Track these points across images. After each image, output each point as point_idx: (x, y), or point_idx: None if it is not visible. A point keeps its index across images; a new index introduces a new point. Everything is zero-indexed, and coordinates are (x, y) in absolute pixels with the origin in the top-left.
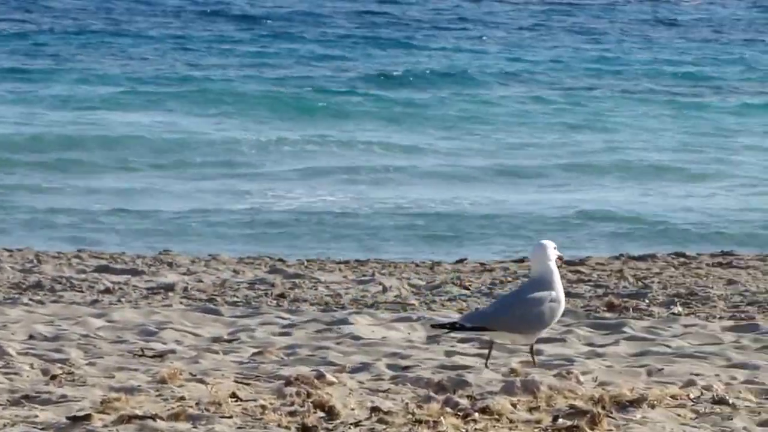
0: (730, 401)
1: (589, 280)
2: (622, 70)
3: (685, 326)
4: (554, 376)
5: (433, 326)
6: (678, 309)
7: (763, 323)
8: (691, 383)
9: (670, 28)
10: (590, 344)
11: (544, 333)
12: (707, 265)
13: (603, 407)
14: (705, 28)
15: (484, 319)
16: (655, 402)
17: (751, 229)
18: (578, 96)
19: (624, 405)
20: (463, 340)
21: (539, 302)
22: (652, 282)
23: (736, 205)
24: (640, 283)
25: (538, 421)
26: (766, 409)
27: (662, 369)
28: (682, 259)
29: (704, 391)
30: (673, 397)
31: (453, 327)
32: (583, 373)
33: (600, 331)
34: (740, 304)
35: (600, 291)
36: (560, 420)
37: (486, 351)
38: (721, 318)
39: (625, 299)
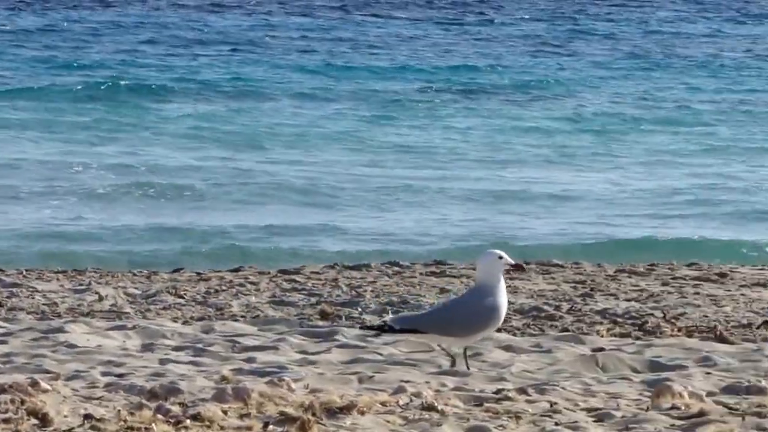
0: (439, 408)
1: (303, 289)
2: None
3: None
4: (266, 383)
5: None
6: (390, 317)
7: None
8: (401, 390)
9: None
10: (303, 352)
11: (476, 339)
12: (420, 273)
13: (313, 414)
14: None
15: (415, 321)
16: (365, 408)
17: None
18: None
19: (334, 411)
20: (176, 348)
21: (471, 308)
22: (365, 291)
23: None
24: (353, 292)
25: (249, 428)
26: (475, 415)
27: (373, 376)
28: (396, 268)
29: (414, 398)
30: (382, 403)
31: (382, 329)
32: (295, 381)
33: (313, 339)
34: None
35: (314, 299)
36: (270, 426)
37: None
38: None
39: (338, 307)
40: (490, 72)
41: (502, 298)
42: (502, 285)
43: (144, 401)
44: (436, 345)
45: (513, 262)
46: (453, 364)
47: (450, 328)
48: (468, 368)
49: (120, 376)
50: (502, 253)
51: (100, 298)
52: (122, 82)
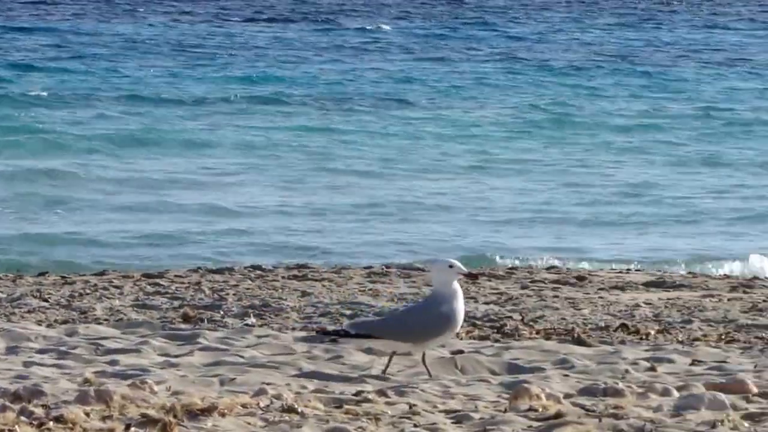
0: (299, 410)
1: (167, 292)
2: None
3: (259, 337)
4: (128, 385)
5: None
6: (252, 320)
7: None
8: (262, 392)
9: None
10: (165, 354)
11: (439, 344)
12: (283, 277)
13: (174, 416)
14: None
15: (370, 327)
16: (226, 410)
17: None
18: None
19: (195, 413)
20: (40, 351)
21: (426, 314)
22: (228, 294)
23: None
24: (216, 295)
25: (111, 430)
26: (334, 417)
27: (235, 378)
28: (258, 272)
29: (274, 400)
30: (243, 405)
31: (338, 334)
32: (158, 383)
33: (175, 342)
34: (313, 315)
35: (177, 303)
36: (132, 428)
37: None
38: (293, 329)
39: (201, 311)
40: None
41: (457, 305)
42: (458, 292)
43: (7, 403)
44: (390, 350)
45: (466, 270)
46: (429, 374)
47: (404, 334)
48: (429, 375)
49: None
50: (454, 262)
51: None
52: None
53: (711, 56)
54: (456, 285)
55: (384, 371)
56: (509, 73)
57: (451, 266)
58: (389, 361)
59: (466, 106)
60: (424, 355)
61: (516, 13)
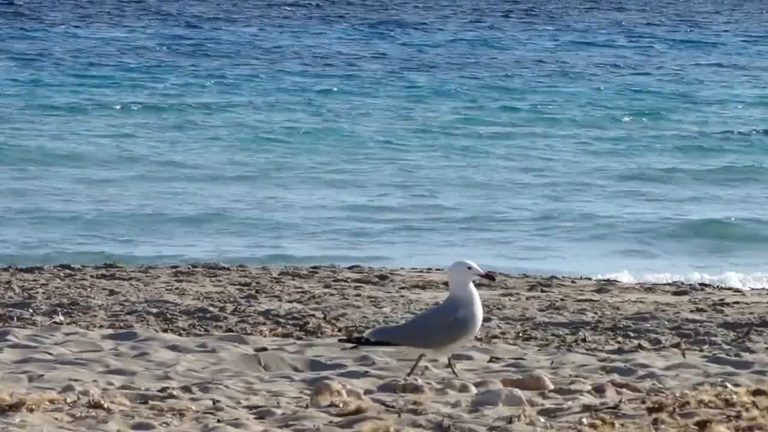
0: (105, 405)
1: None
2: None
3: (67, 334)
4: None
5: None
6: (60, 318)
7: (140, 331)
8: (69, 388)
9: None
10: None
11: (460, 347)
12: (92, 276)
13: None
14: None
15: (389, 334)
16: (34, 406)
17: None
18: None
19: (3, 409)
20: None
21: (441, 320)
22: (37, 293)
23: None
24: (25, 294)
25: None
26: (140, 412)
27: (43, 375)
28: (67, 271)
29: (81, 396)
30: (51, 401)
31: (360, 342)
32: None
33: None
34: (120, 313)
35: None
36: None
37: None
38: (101, 327)
39: (10, 309)
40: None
41: (473, 309)
42: (474, 295)
43: None
44: (410, 356)
45: (482, 272)
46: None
47: (421, 340)
48: (456, 375)
49: None
50: (472, 263)
51: None
52: None
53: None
54: (472, 287)
55: (409, 373)
56: None
57: (469, 268)
58: (416, 363)
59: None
60: (450, 358)
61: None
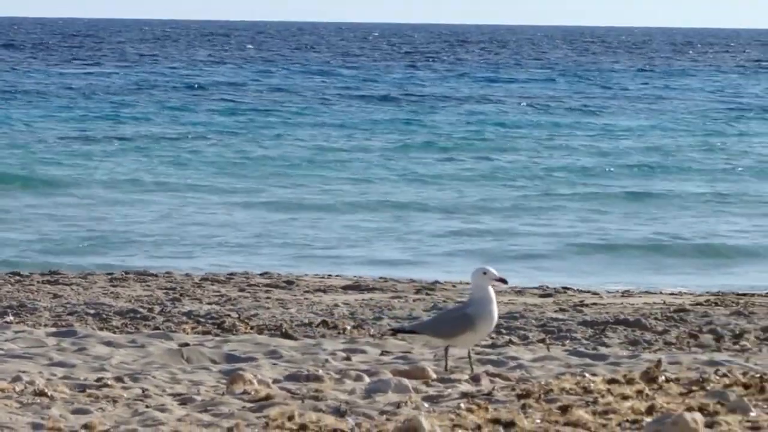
0: (49, 393)
1: None
2: None
3: (16, 332)
4: None
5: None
6: (10, 318)
7: (79, 329)
8: (17, 379)
9: None
10: None
11: (477, 340)
12: (38, 282)
13: None
14: None
15: (415, 326)
16: None
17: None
18: None
19: None
20: None
21: (454, 316)
22: None
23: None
24: None
25: None
26: (79, 399)
27: None
28: (17, 277)
29: (28, 385)
30: (1, 390)
31: (398, 331)
32: None
33: None
34: (62, 314)
35: None
36: None
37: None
38: (45, 325)
39: None
40: None
41: (489, 307)
42: (491, 296)
43: None
44: (432, 345)
45: (498, 275)
46: (445, 355)
47: (435, 330)
48: (472, 369)
49: None
50: (488, 269)
51: None
52: None
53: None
54: (490, 290)
55: (444, 364)
56: None
57: (485, 273)
58: (445, 353)
59: None
60: (469, 351)
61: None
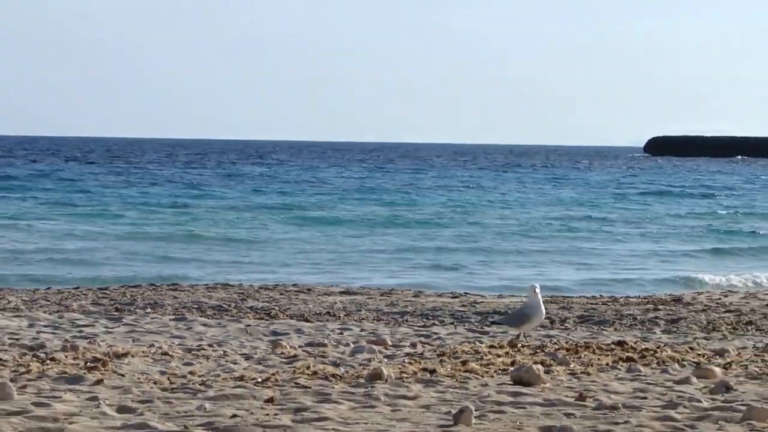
0: (170, 353)
1: None
2: None
3: (152, 318)
4: None
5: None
6: (148, 310)
7: (188, 316)
8: (151, 345)
9: None
10: None
11: (531, 329)
12: (165, 289)
13: None
14: None
15: (498, 320)
16: None
17: None
18: None
19: None
20: None
21: (521, 312)
22: None
23: None
24: None
25: None
26: (187, 357)
27: None
28: (152, 286)
29: (158, 349)
30: (142, 352)
31: (492, 323)
32: None
33: None
34: (179, 308)
35: None
36: None
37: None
38: (169, 315)
39: None
40: None
41: (539, 309)
42: (539, 301)
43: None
44: (511, 332)
45: (538, 289)
46: (517, 337)
47: (509, 323)
48: (518, 345)
49: None
50: (537, 285)
51: None
52: None
53: None
54: (539, 297)
55: (517, 342)
56: None
57: (535, 288)
58: (517, 336)
59: None
60: (521, 334)
61: None
